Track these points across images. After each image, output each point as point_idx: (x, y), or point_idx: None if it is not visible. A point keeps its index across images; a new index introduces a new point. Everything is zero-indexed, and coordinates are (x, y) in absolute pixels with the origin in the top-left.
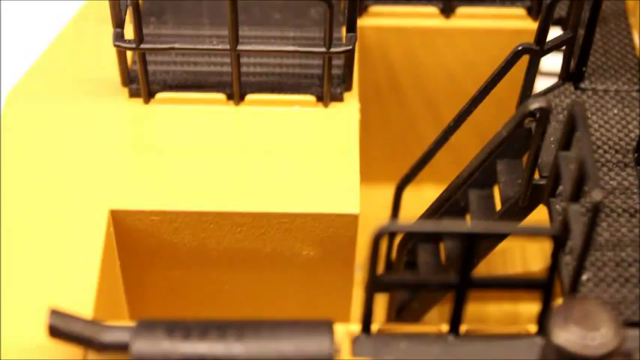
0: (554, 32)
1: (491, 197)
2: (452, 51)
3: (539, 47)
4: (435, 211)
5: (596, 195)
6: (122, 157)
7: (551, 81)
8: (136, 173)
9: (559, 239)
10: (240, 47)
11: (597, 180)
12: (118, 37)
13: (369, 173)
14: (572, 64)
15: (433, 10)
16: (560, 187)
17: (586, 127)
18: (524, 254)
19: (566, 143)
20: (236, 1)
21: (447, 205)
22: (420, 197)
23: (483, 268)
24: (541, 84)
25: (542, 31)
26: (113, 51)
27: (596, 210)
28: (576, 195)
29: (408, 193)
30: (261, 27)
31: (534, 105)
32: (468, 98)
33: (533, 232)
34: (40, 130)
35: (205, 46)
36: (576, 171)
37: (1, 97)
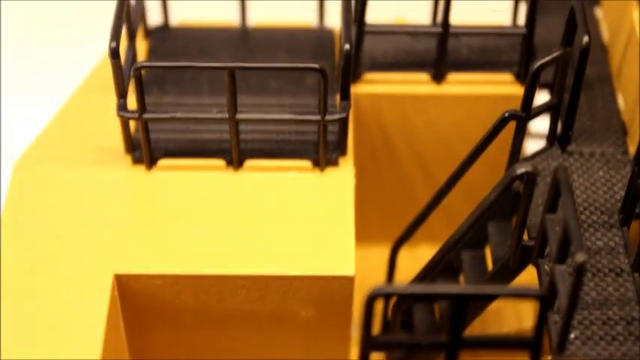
0: (543, 95)
1: (483, 258)
2: (443, 116)
3: (526, 113)
4: (429, 271)
5: (580, 257)
6: (126, 222)
7: (543, 142)
8: (139, 238)
9: (546, 300)
10: (238, 116)
11: (581, 242)
12: (122, 107)
13: (365, 233)
14: (559, 128)
15: (425, 77)
16: (548, 249)
17: (570, 191)
18: (517, 312)
19: (551, 206)
20: (234, 73)
21: (440, 266)
22: (416, 257)
23: (478, 326)
24: (532, 146)
25: (528, 98)
26: (117, 120)
27: (580, 271)
28: (562, 256)
29: (403, 253)
30: (259, 95)
31: (521, 170)
32: (460, 161)
33: (521, 294)
34: (46, 196)
35: (205, 115)
36: (561, 233)
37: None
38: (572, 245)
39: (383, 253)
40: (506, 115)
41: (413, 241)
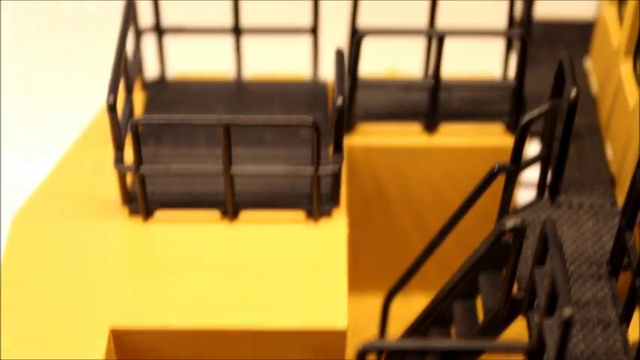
0: (534, 144)
1: (475, 309)
2: (436, 167)
3: (515, 166)
4: (421, 323)
5: (567, 312)
6: (122, 275)
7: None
8: (135, 291)
9: (534, 353)
10: (233, 169)
11: (568, 297)
12: (119, 160)
13: (360, 283)
14: (549, 179)
15: (417, 127)
16: (537, 301)
17: (558, 245)
18: None
19: (540, 259)
20: (229, 128)
21: (432, 318)
22: (410, 305)
23: None
24: (524, 194)
25: (517, 151)
26: (114, 172)
27: (566, 326)
28: (550, 309)
29: (398, 301)
30: (254, 146)
31: (509, 224)
32: (452, 211)
33: (509, 348)
34: (44, 248)
35: (201, 169)
36: (549, 287)
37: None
38: (559, 299)
39: (377, 302)
40: (496, 168)
41: (407, 290)
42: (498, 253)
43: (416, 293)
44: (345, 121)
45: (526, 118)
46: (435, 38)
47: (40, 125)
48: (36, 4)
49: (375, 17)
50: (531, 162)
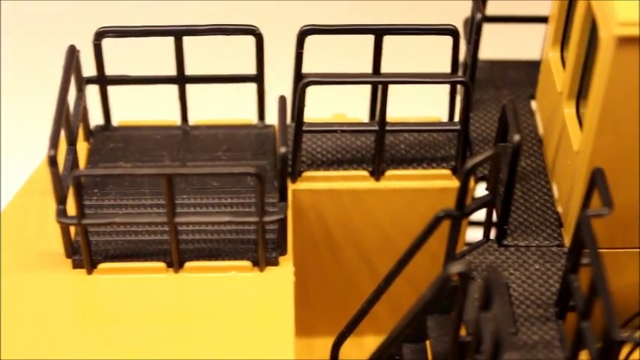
0: (481, 188)
1: (424, 351)
2: (383, 210)
3: (459, 212)
4: None
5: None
6: (66, 329)
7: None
8: (80, 345)
9: None
10: (177, 219)
11: (511, 344)
12: (61, 213)
13: (311, 326)
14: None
15: (364, 173)
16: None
17: (501, 293)
18: None
19: (485, 304)
20: (171, 179)
21: None
22: (363, 348)
23: None
24: (475, 234)
25: (461, 197)
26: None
27: None
28: (495, 355)
29: (350, 345)
30: (200, 194)
31: (454, 270)
32: (401, 253)
33: None
34: None
35: (144, 220)
36: (492, 333)
37: None
38: (501, 345)
39: (329, 345)
40: (441, 214)
41: (359, 332)
42: (446, 296)
43: (368, 336)
44: (288, 169)
45: (469, 163)
46: (380, 85)
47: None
48: None
49: (325, 60)
50: (477, 206)
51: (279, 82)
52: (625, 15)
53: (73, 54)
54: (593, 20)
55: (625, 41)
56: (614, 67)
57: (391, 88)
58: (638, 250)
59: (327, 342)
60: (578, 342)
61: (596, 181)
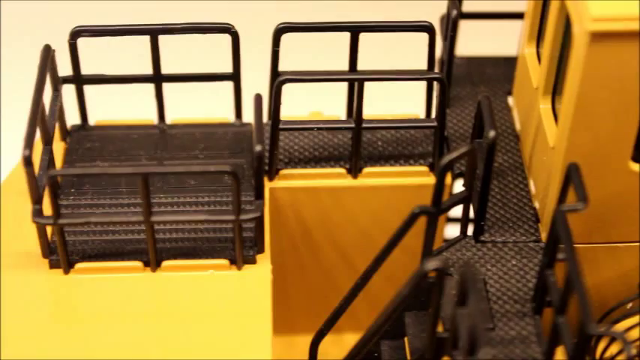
0: (459, 184)
1: (403, 348)
2: (361, 207)
3: (436, 209)
4: None
5: (484, 355)
6: (43, 328)
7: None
8: (57, 345)
9: None
10: (153, 218)
11: (486, 339)
12: (37, 213)
13: (290, 324)
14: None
15: (341, 170)
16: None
17: (476, 289)
18: None
19: (461, 300)
20: (147, 178)
21: (360, 356)
22: (342, 345)
23: None
24: (454, 229)
25: (438, 193)
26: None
27: None
28: (472, 350)
29: (330, 342)
30: (177, 193)
31: (429, 266)
32: (379, 249)
33: None
34: None
35: (120, 219)
36: (468, 330)
37: None
38: (477, 341)
39: (309, 342)
40: (417, 211)
41: (338, 329)
42: (424, 293)
43: (348, 333)
44: (265, 167)
45: (444, 160)
46: (356, 82)
47: None
48: None
49: (303, 59)
50: (453, 203)
51: (257, 81)
52: (598, 10)
53: (48, 53)
54: (567, 16)
55: (598, 37)
56: (587, 62)
57: (369, 85)
58: (614, 244)
59: (307, 340)
60: (555, 337)
61: (572, 176)
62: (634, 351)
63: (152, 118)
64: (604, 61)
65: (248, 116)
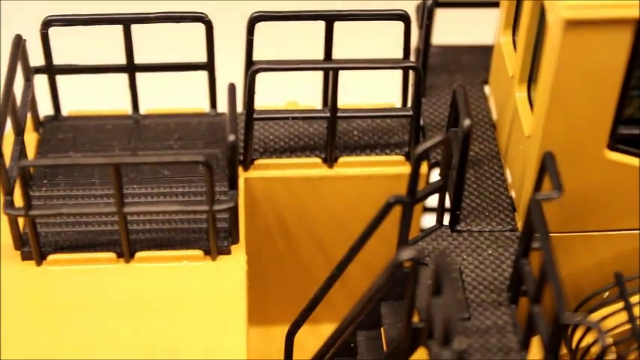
0: (436, 174)
1: (379, 337)
2: (336, 197)
3: (411, 198)
4: (324, 354)
5: (459, 344)
6: (15, 320)
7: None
8: (29, 336)
9: None
10: (126, 209)
11: (459, 329)
12: (8, 204)
13: (267, 315)
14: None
15: (317, 160)
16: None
17: (451, 279)
18: None
19: (436, 290)
20: (119, 168)
21: (336, 348)
22: (319, 335)
23: None
24: (430, 219)
25: (413, 183)
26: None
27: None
28: (446, 340)
29: (307, 332)
30: (151, 184)
31: (404, 256)
32: (355, 239)
33: None
34: None
35: (92, 210)
36: (443, 320)
37: None
38: (452, 331)
39: (285, 332)
40: (392, 200)
41: (315, 319)
42: (400, 283)
43: (325, 323)
44: (240, 157)
45: (419, 149)
46: (330, 71)
47: None
48: None
49: (278, 48)
50: (428, 192)
51: (232, 70)
52: None
53: (19, 43)
54: (542, 4)
55: (572, 24)
56: (562, 50)
57: (344, 74)
58: (590, 233)
59: (283, 330)
60: (530, 326)
61: (547, 165)
62: (609, 340)
63: (126, 108)
64: (579, 49)
65: (223, 106)
